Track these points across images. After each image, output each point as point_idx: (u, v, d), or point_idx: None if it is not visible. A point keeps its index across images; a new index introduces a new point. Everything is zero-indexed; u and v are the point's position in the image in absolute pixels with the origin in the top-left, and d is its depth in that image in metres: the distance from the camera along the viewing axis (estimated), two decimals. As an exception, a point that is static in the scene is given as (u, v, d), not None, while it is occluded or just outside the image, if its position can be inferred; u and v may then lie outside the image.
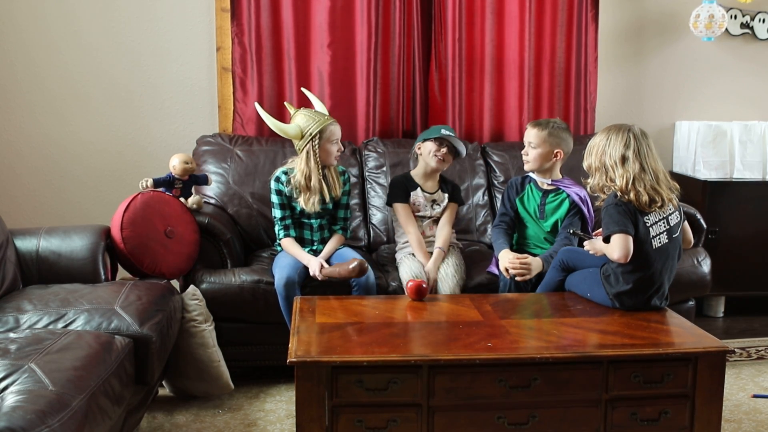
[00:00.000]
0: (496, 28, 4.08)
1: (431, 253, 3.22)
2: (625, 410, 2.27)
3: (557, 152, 3.17)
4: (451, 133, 3.32)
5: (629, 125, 2.69)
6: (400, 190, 3.34)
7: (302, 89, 3.62)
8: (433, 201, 3.35)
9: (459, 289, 3.11)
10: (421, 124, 4.11)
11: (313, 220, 3.25)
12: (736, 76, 4.49)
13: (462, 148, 3.33)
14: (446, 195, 3.37)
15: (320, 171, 3.15)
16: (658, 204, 2.60)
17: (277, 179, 3.21)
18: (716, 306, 4.26)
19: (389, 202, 3.39)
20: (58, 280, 2.87)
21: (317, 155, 3.14)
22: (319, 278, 3.04)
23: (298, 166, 3.17)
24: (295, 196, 3.19)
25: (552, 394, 2.24)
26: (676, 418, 2.29)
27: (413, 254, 3.22)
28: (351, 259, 2.97)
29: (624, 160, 2.61)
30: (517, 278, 3.00)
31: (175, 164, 3.27)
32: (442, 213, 3.34)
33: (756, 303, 4.36)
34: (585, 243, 2.75)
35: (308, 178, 3.15)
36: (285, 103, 3.43)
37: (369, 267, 2.99)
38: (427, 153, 3.32)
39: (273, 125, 3.21)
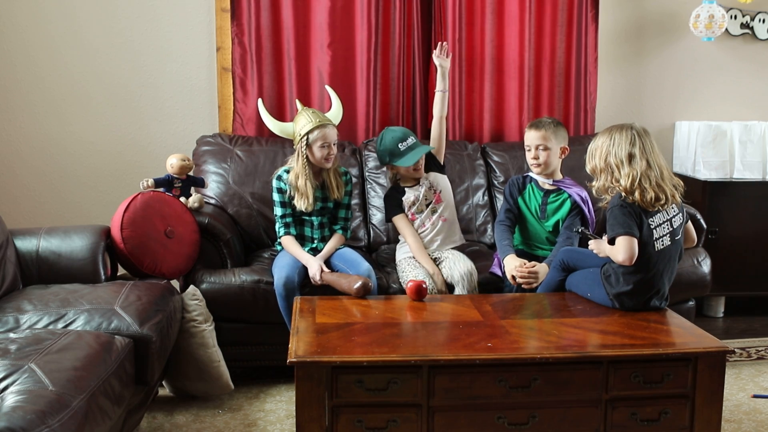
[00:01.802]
0: (496, 28, 4.08)
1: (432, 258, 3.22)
2: (625, 410, 2.27)
3: (564, 148, 3.19)
4: (414, 148, 3.23)
5: (630, 123, 2.68)
6: (393, 203, 3.33)
7: (326, 87, 3.64)
8: (420, 185, 3.32)
9: (476, 274, 3.10)
10: (421, 124, 4.10)
11: (313, 218, 3.25)
12: (736, 76, 4.50)
13: (429, 147, 3.31)
14: (426, 174, 3.33)
15: (308, 172, 3.15)
16: (662, 201, 2.59)
17: (279, 177, 3.23)
18: (716, 306, 4.26)
19: (388, 219, 3.38)
20: (58, 280, 2.87)
21: (305, 157, 3.15)
22: (318, 282, 3.04)
23: (292, 166, 3.20)
24: (291, 194, 3.20)
25: (552, 394, 2.24)
26: (676, 418, 2.29)
27: (413, 257, 3.23)
28: (356, 277, 2.90)
29: (631, 157, 2.60)
30: (524, 286, 2.99)
31: (173, 163, 3.28)
32: (432, 191, 3.31)
33: (756, 303, 4.36)
34: (590, 243, 2.74)
35: (297, 179, 3.17)
36: (296, 100, 3.44)
37: (373, 287, 2.91)
38: (404, 172, 3.29)
39: (272, 125, 3.26)
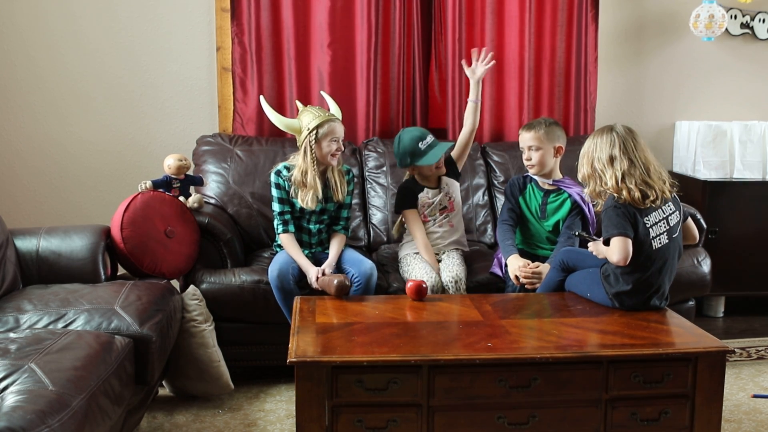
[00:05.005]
0: (496, 28, 4.08)
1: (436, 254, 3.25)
2: (625, 410, 2.27)
3: (558, 147, 3.19)
4: (435, 146, 3.23)
5: (612, 125, 2.71)
6: (408, 196, 3.31)
7: (321, 93, 3.64)
8: (440, 190, 3.32)
9: (464, 282, 3.09)
10: (422, 124, 4.10)
11: (312, 225, 3.23)
12: (736, 76, 4.50)
13: (450, 143, 3.32)
14: (444, 178, 3.33)
15: (316, 167, 3.12)
16: (652, 198, 2.60)
17: (278, 173, 3.18)
18: (716, 306, 4.26)
19: (398, 210, 3.36)
20: (58, 280, 2.87)
21: (314, 151, 3.12)
22: (317, 287, 3.00)
23: (297, 162, 3.17)
24: (293, 193, 3.17)
25: (552, 394, 2.24)
26: (676, 418, 2.29)
27: (418, 252, 3.23)
28: (333, 277, 2.87)
29: (612, 159, 2.63)
30: (527, 286, 2.99)
31: (170, 164, 3.28)
32: (448, 198, 3.32)
33: (756, 303, 4.37)
34: (589, 244, 2.75)
35: (305, 174, 3.12)
36: (296, 101, 3.42)
37: (350, 285, 2.88)
38: (428, 171, 3.28)
39: (276, 120, 3.22)
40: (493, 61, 3.42)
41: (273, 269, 3.02)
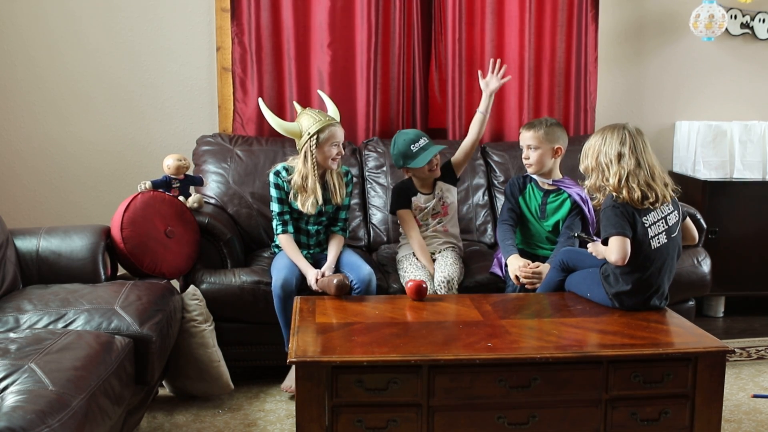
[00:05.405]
0: (496, 28, 4.08)
1: (432, 254, 3.24)
2: (625, 410, 2.27)
3: (557, 148, 3.18)
4: (427, 148, 3.24)
5: (623, 124, 2.70)
6: (402, 197, 3.32)
7: (318, 92, 3.63)
8: (433, 196, 3.33)
9: (456, 283, 3.09)
10: (422, 124, 4.10)
11: (310, 227, 3.22)
12: (736, 76, 4.50)
13: (441, 147, 3.31)
14: (440, 184, 3.34)
15: (316, 172, 3.11)
16: (651, 200, 2.60)
17: (277, 173, 3.16)
18: (716, 306, 4.26)
19: (393, 210, 3.37)
20: (58, 280, 2.87)
21: (314, 155, 3.11)
22: (316, 289, 3.00)
23: (297, 166, 3.16)
24: (292, 197, 3.16)
25: (552, 394, 2.24)
26: (676, 418, 2.29)
27: (414, 254, 3.23)
28: (336, 275, 2.89)
29: (620, 156, 2.62)
30: (528, 286, 2.99)
31: (169, 164, 3.28)
32: (441, 203, 3.32)
33: (756, 303, 4.36)
34: (588, 245, 2.75)
35: (305, 179, 3.11)
36: (294, 102, 3.41)
37: (350, 285, 2.91)
38: (421, 174, 3.29)
39: (276, 124, 3.19)
40: (509, 77, 3.41)
41: (277, 278, 2.98)
